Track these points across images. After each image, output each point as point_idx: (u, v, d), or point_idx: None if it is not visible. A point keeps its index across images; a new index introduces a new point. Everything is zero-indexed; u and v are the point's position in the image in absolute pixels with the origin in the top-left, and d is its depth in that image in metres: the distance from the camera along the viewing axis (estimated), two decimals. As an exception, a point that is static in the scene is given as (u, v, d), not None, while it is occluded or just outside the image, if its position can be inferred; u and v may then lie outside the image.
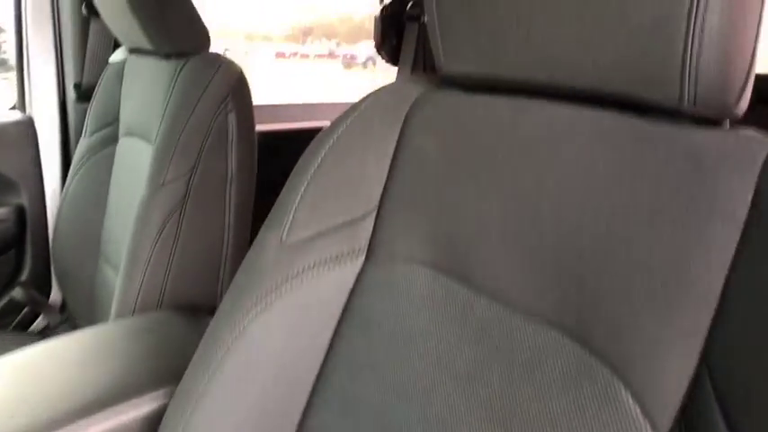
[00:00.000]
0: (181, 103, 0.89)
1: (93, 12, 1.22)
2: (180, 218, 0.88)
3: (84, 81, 1.27)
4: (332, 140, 0.59)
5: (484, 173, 0.48)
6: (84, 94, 1.26)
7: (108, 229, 1.15)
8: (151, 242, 0.86)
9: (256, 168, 0.97)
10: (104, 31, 1.23)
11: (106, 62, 1.24)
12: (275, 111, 1.79)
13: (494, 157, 0.48)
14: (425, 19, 1.67)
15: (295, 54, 22.28)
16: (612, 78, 0.40)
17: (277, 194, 0.60)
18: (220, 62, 0.93)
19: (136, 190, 1.05)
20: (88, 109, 1.22)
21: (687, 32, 0.35)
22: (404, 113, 0.57)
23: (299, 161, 0.62)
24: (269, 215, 0.61)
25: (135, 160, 1.10)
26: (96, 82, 1.23)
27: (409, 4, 1.72)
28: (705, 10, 0.34)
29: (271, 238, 0.58)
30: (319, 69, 17.88)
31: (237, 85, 0.92)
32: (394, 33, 1.75)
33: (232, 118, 0.90)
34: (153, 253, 0.86)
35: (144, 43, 0.99)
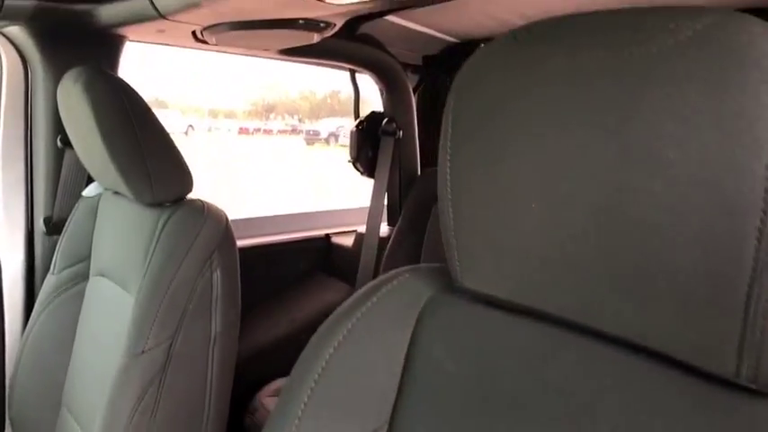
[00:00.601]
0: (165, 262, 0.85)
1: (67, 143, 1.19)
2: (159, 387, 0.82)
3: (55, 214, 1.22)
4: (336, 341, 0.56)
5: (514, 410, 0.46)
6: (54, 228, 1.21)
7: (73, 378, 1.07)
8: (128, 416, 0.79)
9: (240, 322, 0.93)
10: (79, 163, 1.19)
11: (79, 196, 1.20)
12: (246, 224, 1.77)
13: (524, 393, 0.45)
14: (400, 134, 1.70)
15: (258, 130, 22.69)
16: (658, 336, 0.38)
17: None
18: (206, 214, 0.91)
19: (107, 339, 0.98)
20: (58, 244, 1.16)
21: (746, 311, 0.34)
22: (414, 316, 0.55)
23: (299, 361, 0.58)
24: (267, 423, 0.56)
25: (107, 304, 1.04)
26: (67, 216, 1.18)
27: (384, 121, 1.77)
28: None
29: None
30: (282, 145, 18.14)
31: (223, 239, 0.90)
32: (369, 147, 1.79)
33: (217, 276, 0.87)
34: (130, 427, 0.79)
35: (123, 190, 0.97)
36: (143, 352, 0.81)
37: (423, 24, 1.72)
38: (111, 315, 1.01)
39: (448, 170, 0.48)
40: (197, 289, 0.85)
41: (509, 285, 0.47)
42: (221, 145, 15.45)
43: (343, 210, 2.05)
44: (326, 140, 18.16)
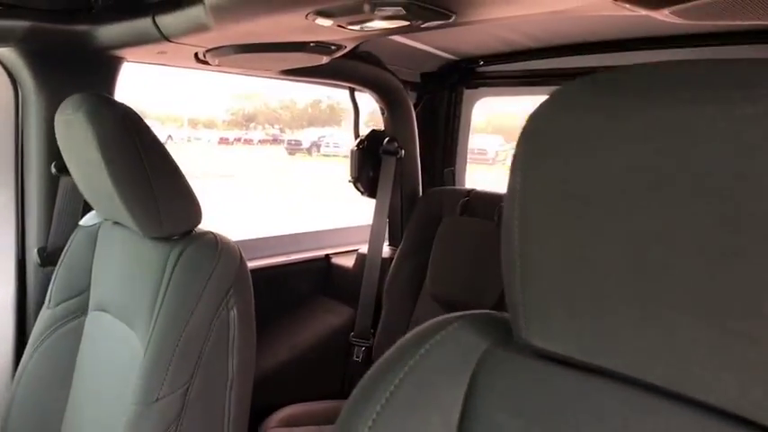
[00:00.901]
0: (178, 303, 0.80)
1: (63, 170, 1.13)
2: (175, 436, 0.77)
3: (50, 245, 1.16)
4: (383, 398, 0.52)
5: None
6: (49, 259, 1.15)
7: (72, 421, 1.01)
8: (141, 469, 0.74)
9: (255, 361, 0.89)
10: (75, 191, 1.14)
11: (75, 225, 1.14)
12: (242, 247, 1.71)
13: None
14: (402, 154, 1.66)
15: (238, 140, 22.46)
16: (761, 408, 0.35)
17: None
18: (220, 248, 0.86)
19: (111, 381, 0.93)
20: (53, 276, 1.10)
21: None
22: (468, 371, 0.51)
23: (342, 419, 0.54)
24: None
25: (110, 341, 0.98)
26: (63, 246, 1.12)
27: (385, 140, 1.74)
28: None
29: None
30: (264, 155, 17.99)
31: (239, 274, 0.85)
32: (370, 166, 1.75)
33: (234, 315, 0.82)
34: (143, 482, 0.74)
35: (129, 224, 0.91)
36: (157, 399, 0.76)
37: (422, 42, 1.69)
38: (114, 353, 0.95)
39: (517, 221, 0.45)
40: (213, 330, 0.80)
41: (587, 345, 0.43)
42: (202, 155, 15.27)
43: (342, 228, 2.01)
44: (308, 150, 18.07)
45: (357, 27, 0.79)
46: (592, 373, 0.45)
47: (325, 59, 1.15)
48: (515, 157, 0.45)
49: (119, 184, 0.87)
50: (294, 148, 18.61)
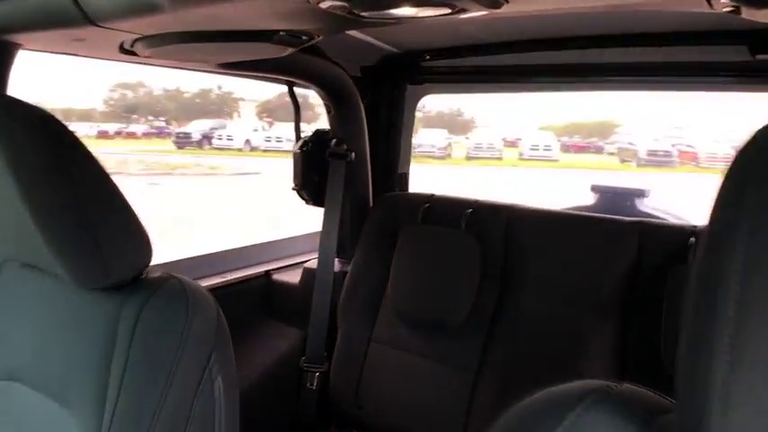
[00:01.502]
0: (146, 378, 0.59)
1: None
2: None
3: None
4: None
5: None
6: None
7: None
8: None
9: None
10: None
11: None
12: (168, 269, 1.46)
13: None
14: (352, 157, 1.50)
15: (119, 133, 20.64)
16: None
17: None
18: (191, 298, 0.66)
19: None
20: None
21: None
22: None
23: None
24: None
25: (27, 422, 0.74)
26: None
27: (333, 141, 1.56)
28: None
29: None
30: (150, 149, 16.65)
31: (218, 330, 0.66)
32: (316, 171, 1.57)
33: (219, 385, 0.63)
34: None
35: (52, 268, 0.68)
36: None
37: (362, 32, 1.54)
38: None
39: (736, 292, 0.32)
40: (196, 410, 0.60)
41: None
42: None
43: (283, 239, 1.81)
44: (199, 144, 17.05)
45: (369, 14, 0.63)
46: None
47: (288, 51, 0.96)
48: (729, 193, 0.33)
49: (40, 216, 0.64)
50: (183, 141, 17.45)
